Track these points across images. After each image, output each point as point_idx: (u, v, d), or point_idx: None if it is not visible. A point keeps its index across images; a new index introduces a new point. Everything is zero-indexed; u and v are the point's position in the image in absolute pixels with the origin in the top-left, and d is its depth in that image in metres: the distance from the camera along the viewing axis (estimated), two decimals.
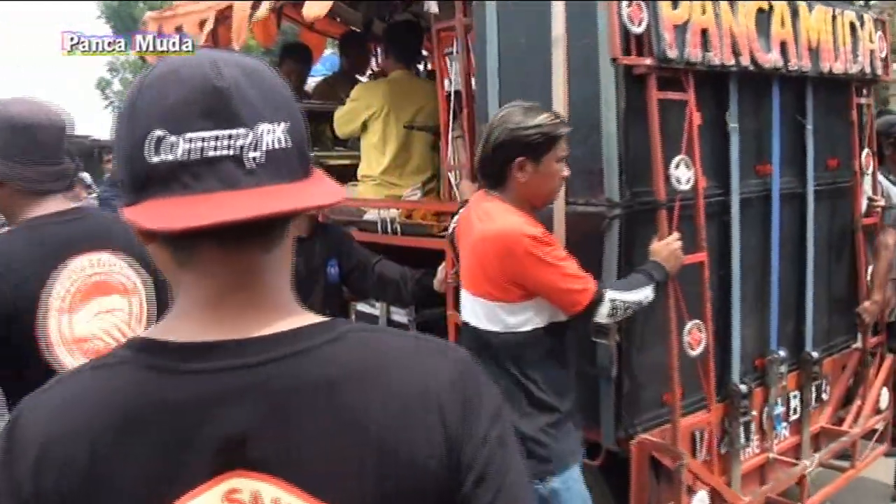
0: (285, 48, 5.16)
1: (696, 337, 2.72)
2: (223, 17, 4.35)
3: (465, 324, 2.49)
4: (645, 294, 2.42)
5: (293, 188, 0.79)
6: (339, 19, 5.60)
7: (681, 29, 2.63)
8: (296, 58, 5.07)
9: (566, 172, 2.43)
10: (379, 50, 6.07)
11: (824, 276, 3.57)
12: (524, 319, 2.33)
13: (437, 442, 0.81)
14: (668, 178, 2.59)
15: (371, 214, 3.91)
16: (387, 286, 3.39)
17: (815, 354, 3.43)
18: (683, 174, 2.65)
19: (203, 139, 0.75)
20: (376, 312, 3.87)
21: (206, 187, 0.75)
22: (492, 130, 2.36)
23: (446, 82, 3.39)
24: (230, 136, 0.76)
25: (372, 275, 3.40)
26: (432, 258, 3.38)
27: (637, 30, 2.52)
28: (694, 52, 2.67)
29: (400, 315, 3.76)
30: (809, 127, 3.34)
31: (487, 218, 2.35)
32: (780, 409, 3.29)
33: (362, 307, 3.97)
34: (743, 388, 3.04)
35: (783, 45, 3.04)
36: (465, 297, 2.48)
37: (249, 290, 0.81)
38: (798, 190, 3.36)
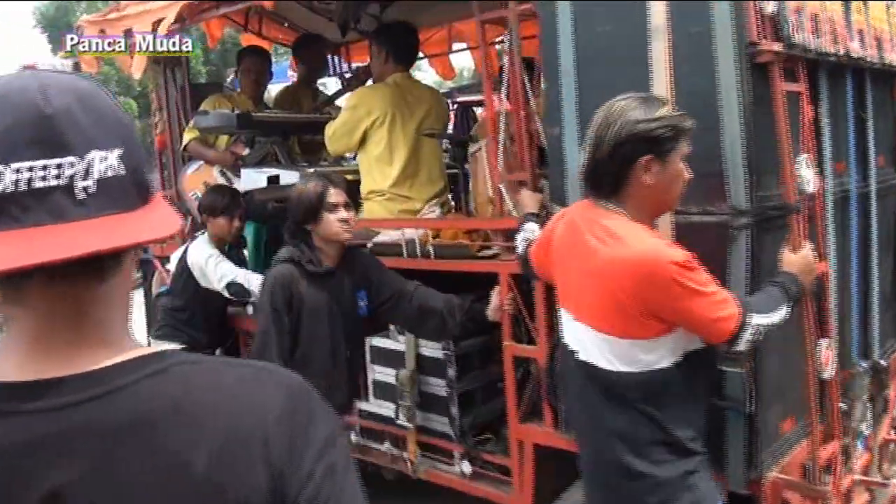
0: (245, 47, 4.58)
1: (827, 356, 2.42)
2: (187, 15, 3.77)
3: (583, 362, 2.05)
4: (782, 314, 2.08)
5: (127, 218, 0.78)
6: (287, 24, 5.07)
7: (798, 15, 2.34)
8: (254, 57, 4.52)
9: (689, 174, 2.06)
10: (338, 57, 5.60)
11: (881, 278, 3.39)
12: (661, 355, 1.92)
13: (262, 478, 0.79)
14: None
15: (387, 236, 3.43)
16: (428, 318, 2.94)
17: (883, 363, 3.23)
18: (808, 174, 2.35)
19: (30, 169, 0.73)
20: (400, 347, 3.38)
21: (35, 220, 0.74)
22: (607, 127, 1.94)
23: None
24: (58, 166, 0.74)
25: (409, 305, 2.95)
26: (465, 284, 3.02)
27: (770, 9, 2.20)
28: (811, 40, 2.38)
29: (432, 349, 3.29)
30: (871, 122, 3.14)
31: (614, 239, 1.92)
32: (865, 426, 3.05)
33: (379, 342, 3.47)
34: (842, 405, 2.77)
35: (861, 35, 2.82)
36: (580, 330, 2.04)
37: (79, 324, 0.79)
38: (864, 189, 3.16)
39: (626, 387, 1.93)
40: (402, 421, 3.35)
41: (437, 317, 2.93)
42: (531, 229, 2.54)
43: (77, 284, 0.78)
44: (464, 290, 3.04)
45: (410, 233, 3.32)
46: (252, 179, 3.66)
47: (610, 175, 1.97)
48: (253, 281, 3.56)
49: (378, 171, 3.51)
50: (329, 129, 3.62)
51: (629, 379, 1.93)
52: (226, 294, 3.66)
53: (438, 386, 3.28)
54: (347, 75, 4.90)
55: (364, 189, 3.59)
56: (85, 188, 0.75)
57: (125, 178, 0.78)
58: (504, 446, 3.10)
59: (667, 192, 2.00)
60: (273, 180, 3.54)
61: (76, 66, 4.73)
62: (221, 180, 4.34)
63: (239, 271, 3.65)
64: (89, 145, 0.75)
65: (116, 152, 0.77)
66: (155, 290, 4.82)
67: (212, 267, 3.61)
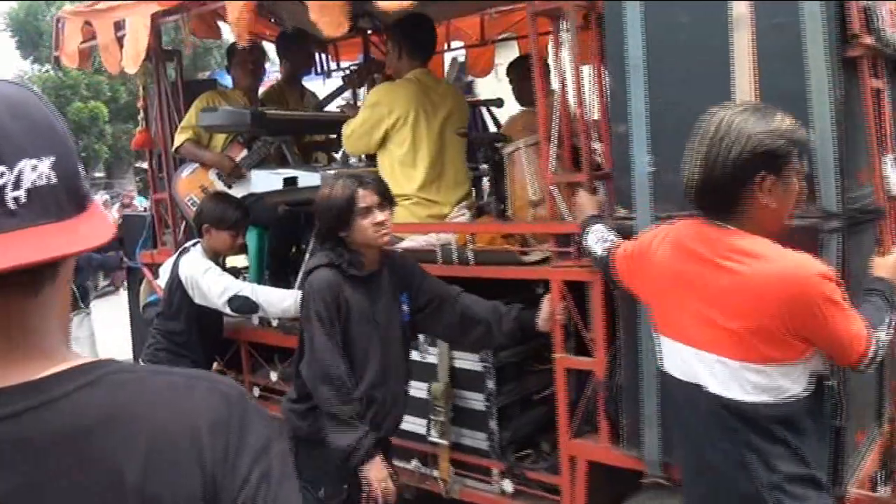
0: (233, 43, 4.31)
1: None
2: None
3: (705, 392, 1.87)
4: (891, 325, 1.96)
5: (61, 228, 0.77)
6: (273, 20, 4.82)
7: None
8: (250, 50, 4.25)
9: (802, 188, 1.91)
10: (323, 54, 5.37)
11: None
12: (798, 380, 1.76)
13: (196, 485, 0.79)
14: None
15: (414, 241, 3.24)
16: (472, 327, 2.76)
17: None
18: (894, 175, 2.25)
19: None
20: (431, 359, 3.19)
21: None
22: (720, 141, 1.76)
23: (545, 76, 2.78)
24: None
25: (451, 313, 2.75)
26: (499, 291, 2.86)
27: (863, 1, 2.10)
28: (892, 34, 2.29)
29: (468, 361, 3.10)
30: None
31: (753, 257, 1.73)
32: None
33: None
34: None
35: None
36: (699, 359, 1.85)
37: (12, 335, 0.79)
38: None
39: (764, 418, 1.76)
40: (434, 437, 3.15)
41: (482, 326, 2.75)
42: (601, 231, 2.38)
43: (10, 295, 0.77)
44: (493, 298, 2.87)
45: (444, 238, 3.13)
46: (265, 181, 3.42)
47: (725, 193, 1.80)
48: (261, 293, 3.30)
49: (402, 173, 3.32)
50: (347, 128, 3.41)
51: (767, 409, 1.76)
52: (226, 310, 3.38)
53: (475, 400, 3.09)
54: (346, 73, 4.64)
55: None
56: (16, 199, 0.74)
57: (58, 186, 0.77)
58: (551, 462, 2.93)
59: (782, 211, 1.84)
60: (290, 182, 3.30)
61: (56, 62, 4.40)
62: (219, 184, 4.08)
63: (242, 284, 3.38)
64: (19, 154, 0.74)
65: (48, 161, 0.76)
66: (143, 300, 4.52)
67: (210, 281, 3.32)
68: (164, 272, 3.60)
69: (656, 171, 2.43)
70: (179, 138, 4.06)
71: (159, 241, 4.37)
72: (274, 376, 3.81)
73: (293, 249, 4.03)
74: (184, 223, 4.23)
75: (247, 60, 4.20)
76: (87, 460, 0.76)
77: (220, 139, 4.11)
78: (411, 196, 3.31)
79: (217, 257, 3.52)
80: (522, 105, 4.15)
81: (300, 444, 2.73)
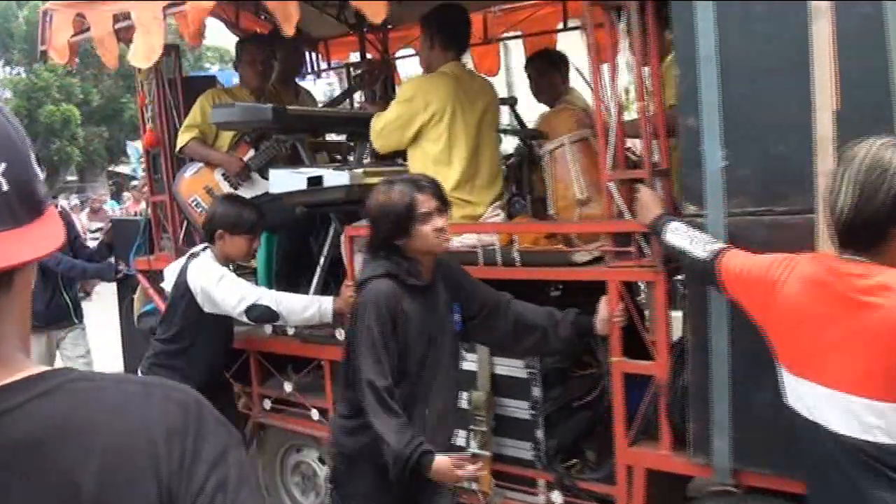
0: (246, 36, 4.06)
1: None
2: None
3: (849, 438, 1.73)
4: None
5: (14, 235, 0.77)
6: (263, 16, 4.63)
7: None
8: (259, 46, 4.05)
9: None
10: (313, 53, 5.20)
11: None
12: None
13: (151, 495, 0.79)
14: None
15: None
16: (526, 333, 2.63)
17: None
18: None
19: None
20: (470, 367, 3.04)
21: None
22: (879, 176, 1.65)
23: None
24: None
25: (504, 320, 2.63)
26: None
27: None
28: None
29: (511, 367, 2.96)
30: None
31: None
32: None
33: None
34: None
35: None
36: (843, 400, 1.73)
37: None
38: None
39: None
40: (474, 449, 3.00)
41: (537, 333, 2.62)
42: (686, 230, 2.27)
43: None
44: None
45: (483, 238, 3.00)
46: (286, 181, 3.22)
47: (878, 229, 1.70)
48: (283, 302, 3.10)
49: (435, 171, 3.14)
50: (378, 123, 3.24)
51: None
52: (243, 319, 3.17)
53: (519, 408, 2.95)
54: (356, 73, 4.46)
55: None
56: None
57: (9, 194, 0.77)
58: (605, 471, 2.80)
59: None
60: (314, 182, 3.12)
61: (43, 56, 4.13)
62: (225, 186, 3.87)
63: (261, 291, 3.17)
64: None
65: None
66: (137, 309, 4.25)
67: (225, 290, 3.09)
68: (170, 276, 3.36)
69: (729, 166, 2.35)
70: (184, 137, 3.84)
71: (157, 247, 4.12)
72: (288, 387, 3.61)
73: (305, 253, 3.83)
74: (184, 226, 4.00)
75: (256, 59, 3.99)
76: (42, 471, 0.76)
77: (226, 139, 3.90)
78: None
79: (229, 263, 3.31)
80: (540, 102, 4.05)
81: (345, 461, 2.57)
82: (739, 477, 2.46)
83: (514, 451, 2.99)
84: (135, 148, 16.55)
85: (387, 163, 3.48)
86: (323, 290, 3.59)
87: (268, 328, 3.58)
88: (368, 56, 4.94)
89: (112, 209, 12.11)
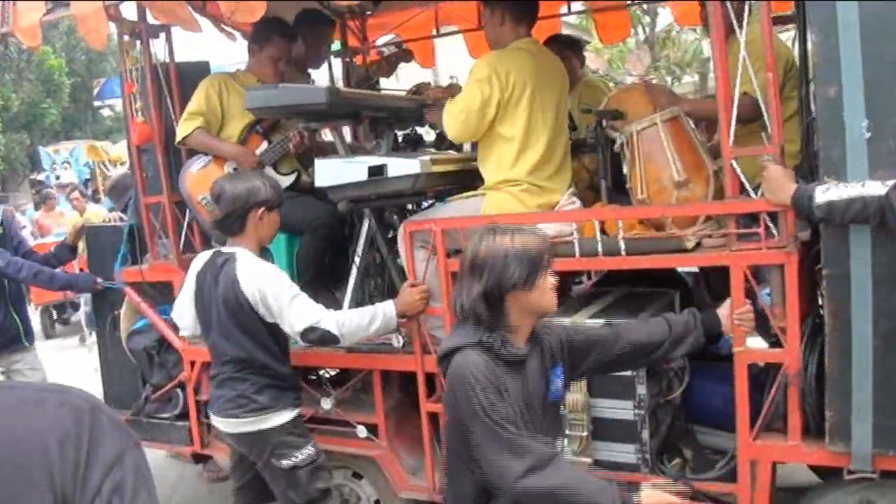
0: (268, 22, 3.59)
1: None
2: None
3: None
4: None
5: None
6: None
7: None
8: (284, 37, 3.62)
9: None
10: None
11: None
12: None
13: (46, 502, 0.80)
14: None
15: None
16: (646, 354, 2.37)
17: None
18: None
19: None
20: None
21: None
22: None
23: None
24: None
25: (618, 351, 2.33)
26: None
27: None
28: None
29: None
30: None
31: None
32: None
33: None
34: None
35: None
36: None
37: None
38: None
39: None
40: (573, 456, 2.76)
41: (659, 351, 2.34)
42: (838, 185, 2.15)
43: None
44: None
45: (562, 229, 2.77)
46: (338, 172, 2.85)
47: None
48: (346, 323, 2.69)
49: (512, 155, 2.90)
50: (453, 107, 2.92)
51: None
52: (297, 339, 2.77)
53: (622, 409, 2.74)
54: (375, 61, 4.09)
55: (491, 177, 2.95)
56: None
57: None
58: (730, 466, 2.63)
59: None
60: (376, 171, 2.78)
61: (3, 40, 3.54)
62: None
63: (322, 311, 2.72)
64: None
65: None
66: (125, 328, 3.74)
67: (286, 299, 2.66)
68: (187, 292, 2.89)
69: (871, 138, 2.23)
70: (187, 126, 3.38)
71: (152, 255, 3.62)
72: (327, 404, 3.23)
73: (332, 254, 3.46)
74: (186, 226, 3.54)
75: (283, 56, 3.56)
76: None
77: (235, 129, 3.47)
78: (520, 182, 2.91)
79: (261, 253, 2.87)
80: None
81: None
82: (878, 462, 2.36)
83: (616, 455, 2.77)
84: (48, 154, 15.21)
85: (445, 150, 3.17)
86: (360, 294, 3.25)
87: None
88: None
89: (23, 220, 10.97)
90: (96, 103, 24.64)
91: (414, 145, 3.75)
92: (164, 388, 3.62)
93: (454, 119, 2.91)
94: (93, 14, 3.24)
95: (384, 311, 2.79)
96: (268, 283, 2.67)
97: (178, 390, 3.62)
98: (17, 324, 3.92)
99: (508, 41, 3.00)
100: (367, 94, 3.16)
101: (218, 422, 2.85)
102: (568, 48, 4.00)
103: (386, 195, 2.90)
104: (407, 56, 3.91)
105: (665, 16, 12.82)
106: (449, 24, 4.88)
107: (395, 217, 3.18)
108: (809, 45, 2.37)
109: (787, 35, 3.89)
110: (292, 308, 2.68)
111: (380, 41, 5.00)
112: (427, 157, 2.86)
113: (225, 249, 2.79)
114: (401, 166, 2.78)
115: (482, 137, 2.98)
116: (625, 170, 2.92)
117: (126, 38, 3.49)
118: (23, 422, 0.82)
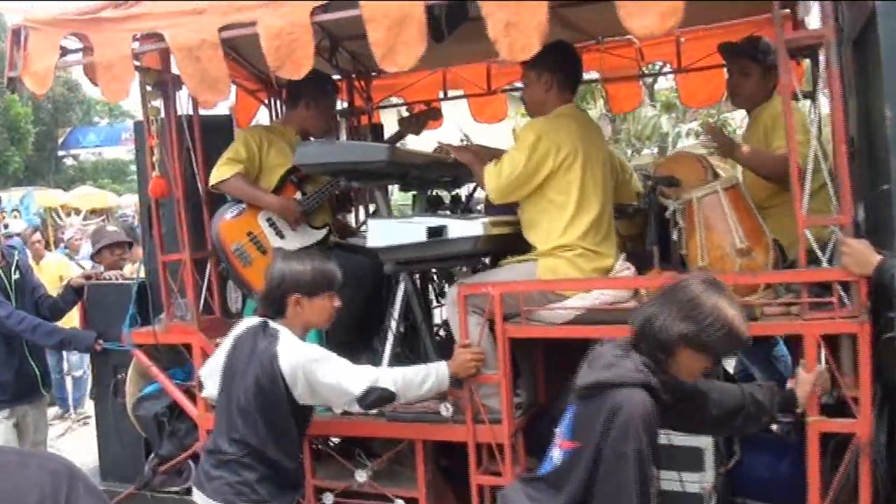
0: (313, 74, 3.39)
1: None
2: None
3: None
4: None
5: None
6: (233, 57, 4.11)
7: None
8: (329, 90, 3.56)
9: None
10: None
11: None
12: None
13: None
14: None
15: (582, 300, 2.80)
16: (729, 419, 2.32)
17: None
18: None
19: None
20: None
21: None
22: None
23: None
24: None
25: (700, 407, 2.28)
26: None
27: None
28: None
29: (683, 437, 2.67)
30: None
31: None
32: None
33: None
34: None
35: None
36: None
37: None
38: None
39: None
40: None
41: (739, 417, 2.31)
42: None
43: None
44: None
45: (617, 295, 2.75)
46: (393, 232, 2.76)
47: None
48: (399, 379, 2.57)
49: (564, 221, 2.86)
50: (502, 170, 2.87)
51: None
52: (353, 408, 2.60)
53: (690, 482, 2.67)
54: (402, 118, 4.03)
55: (543, 242, 2.90)
56: None
57: None
58: None
59: None
60: (435, 233, 2.70)
61: (11, 84, 3.35)
62: (270, 233, 3.31)
63: (373, 370, 2.60)
64: None
65: None
66: (132, 393, 3.50)
67: (336, 371, 2.51)
68: (223, 353, 2.71)
69: None
70: (225, 170, 3.25)
71: (167, 315, 3.41)
72: (362, 476, 3.06)
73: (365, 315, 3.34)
74: (216, 280, 3.38)
75: (334, 104, 3.54)
76: None
77: (271, 183, 3.35)
78: (574, 247, 2.86)
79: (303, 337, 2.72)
80: None
81: None
82: None
83: None
84: None
85: (499, 212, 3.11)
86: (397, 357, 3.12)
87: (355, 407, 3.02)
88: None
89: None
90: (60, 153, 24.45)
91: (434, 207, 3.69)
92: (176, 459, 3.37)
93: (496, 180, 2.88)
94: (119, 62, 3.10)
95: (437, 371, 2.68)
96: (312, 360, 2.50)
97: (191, 462, 3.38)
98: (34, 371, 3.68)
99: (554, 107, 3.00)
100: (418, 154, 3.09)
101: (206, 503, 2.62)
102: None
103: (444, 257, 2.82)
104: (435, 114, 3.88)
105: None
106: (455, 89, 4.89)
107: (443, 281, 3.08)
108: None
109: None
110: (346, 374, 2.54)
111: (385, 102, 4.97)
112: (487, 220, 2.80)
113: (272, 324, 2.64)
114: (462, 228, 2.72)
115: (530, 202, 2.95)
116: (674, 236, 2.94)
117: (149, 88, 3.34)
118: (5, 485, 0.86)
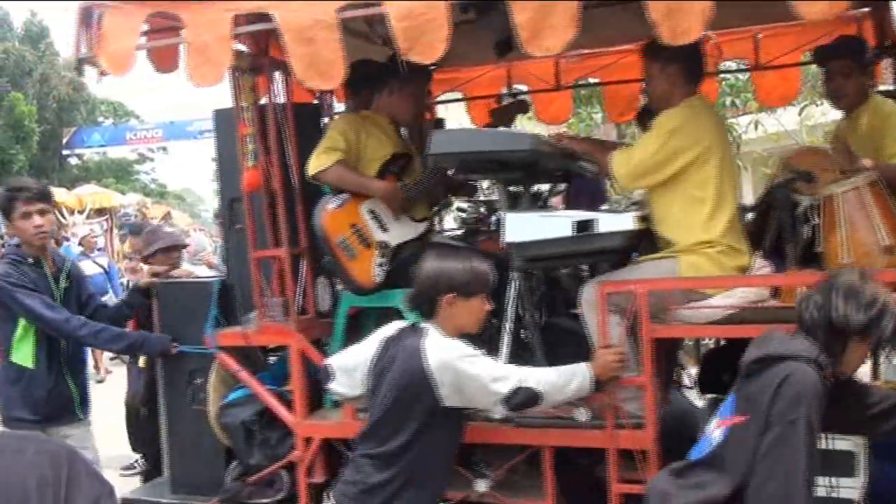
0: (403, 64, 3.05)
1: None
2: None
3: None
4: None
5: None
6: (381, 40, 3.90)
7: None
8: (423, 79, 3.38)
9: None
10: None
11: None
12: None
13: None
14: None
15: (729, 297, 2.69)
16: (882, 420, 2.27)
17: None
18: None
19: None
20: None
21: None
22: None
23: None
24: None
25: (861, 407, 2.25)
26: None
27: None
28: None
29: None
30: None
31: None
32: None
33: None
34: None
35: None
36: None
37: None
38: None
39: None
40: None
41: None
42: None
43: None
44: None
45: (759, 293, 2.65)
46: (536, 227, 2.60)
47: None
48: (542, 379, 2.42)
49: (704, 215, 2.75)
50: (631, 156, 2.79)
51: None
52: (496, 410, 2.46)
53: (846, 487, 2.56)
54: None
55: (683, 238, 2.78)
56: None
57: None
58: None
59: None
60: (583, 227, 2.55)
61: (80, 66, 3.11)
62: (373, 225, 3.13)
63: (519, 369, 2.45)
64: None
65: None
66: (215, 400, 3.26)
67: (488, 369, 2.36)
68: (366, 351, 2.51)
69: None
70: (325, 159, 3.04)
71: (259, 315, 3.18)
72: (482, 486, 2.88)
73: None
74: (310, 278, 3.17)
75: (423, 91, 3.40)
76: None
77: (370, 170, 3.16)
78: (716, 243, 2.75)
79: None
80: None
81: None
82: None
83: None
84: None
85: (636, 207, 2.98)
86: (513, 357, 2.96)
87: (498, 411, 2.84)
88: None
89: None
90: (65, 152, 24.52)
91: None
92: (268, 469, 3.14)
93: (625, 166, 2.80)
94: (215, 43, 2.88)
95: (580, 372, 2.52)
96: (462, 357, 2.35)
97: (283, 471, 3.15)
98: (70, 392, 3.27)
99: (680, 99, 2.88)
100: (549, 144, 2.92)
101: None
102: None
103: (589, 253, 2.67)
104: (525, 107, 3.72)
105: None
106: (520, 84, 4.74)
107: (572, 280, 2.93)
108: None
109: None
110: (495, 373, 2.39)
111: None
112: (630, 213, 2.66)
113: (421, 324, 2.47)
114: (612, 222, 2.58)
115: (665, 195, 2.83)
116: (805, 233, 2.85)
117: (244, 73, 3.12)
118: (5, 468, 0.86)
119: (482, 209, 3.85)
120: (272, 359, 3.59)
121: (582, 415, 2.76)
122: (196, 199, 45.40)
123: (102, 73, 3.14)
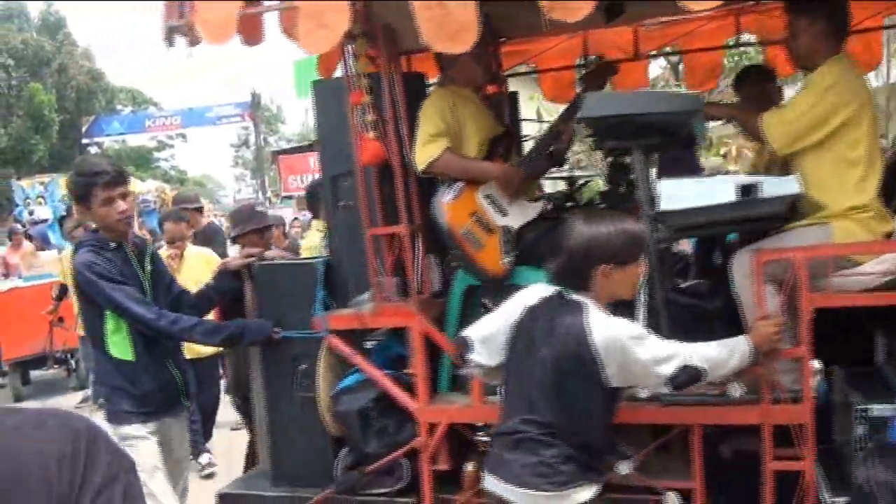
0: None
1: None
2: None
3: None
4: None
5: None
6: None
7: None
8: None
9: None
10: None
11: None
12: None
13: None
14: None
15: (883, 263, 2.59)
16: None
17: None
18: None
19: None
20: None
21: None
22: None
23: None
24: None
25: None
26: None
27: None
28: None
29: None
30: None
31: None
32: None
33: None
34: None
35: None
36: None
37: None
38: None
39: None
40: None
41: None
42: None
43: None
44: None
45: None
46: (695, 193, 2.47)
47: None
48: (706, 357, 2.30)
49: (856, 179, 2.65)
50: (781, 114, 2.69)
51: None
52: (662, 389, 2.38)
53: None
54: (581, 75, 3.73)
55: (837, 203, 2.66)
56: None
57: None
58: None
59: None
60: (747, 192, 2.43)
61: (171, 35, 2.94)
62: (492, 211, 2.98)
63: (686, 347, 2.29)
64: None
65: None
66: (325, 387, 3.11)
67: (655, 348, 2.24)
68: (507, 318, 2.37)
69: None
70: (433, 148, 2.89)
71: (378, 296, 3.03)
72: (625, 468, 2.76)
73: None
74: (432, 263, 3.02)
75: (484, 53, 3.15)
76: None
77: (472, 149, 3.02)
78: (867, 207, 2.65)
79: None
80: None
81: None
82: None
83: None
84: (21, 188, 13.64)
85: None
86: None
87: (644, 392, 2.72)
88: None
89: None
90: (84, 141, 24.31)
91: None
92: (388, 457, 2.99)
93: (780, 126, 2.69)
94: (332, 7, 2.71)
95: (739, 346, 2.40)
96: (631, 337, 2.22)
97: (403, 459, 3.01)
98: (176, 380, 3.09)
99: (825, 57, 2.76)
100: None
101: (504, 489, 2.33)
102: (766, 78, 3.86)
103: (750, 219, 2.54)
104: (614, 69, 3.58)
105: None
106: (596, 54, 4.58)
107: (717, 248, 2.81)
108: None
109: None
110: (661, 352, 2.26)
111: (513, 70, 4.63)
112: (795, 177, 2.54)
113: (572, 295, 2.33)
114: (777, 186, 2.45)
115: (814, 157, 2.72)
116: None
117: (357, 39, 2.95)
118: (24, 444, 0.85)
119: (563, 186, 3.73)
120: (368, 344, 3.43)
121: (736, 390, 2.64)
122: (216, 185, 45.29)
123: (193, 43, 2.98)
